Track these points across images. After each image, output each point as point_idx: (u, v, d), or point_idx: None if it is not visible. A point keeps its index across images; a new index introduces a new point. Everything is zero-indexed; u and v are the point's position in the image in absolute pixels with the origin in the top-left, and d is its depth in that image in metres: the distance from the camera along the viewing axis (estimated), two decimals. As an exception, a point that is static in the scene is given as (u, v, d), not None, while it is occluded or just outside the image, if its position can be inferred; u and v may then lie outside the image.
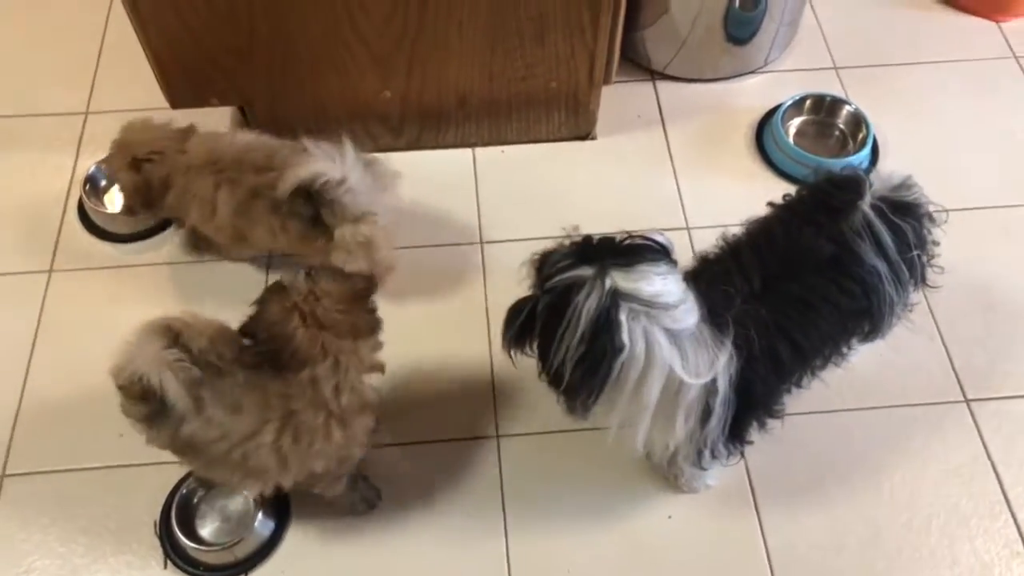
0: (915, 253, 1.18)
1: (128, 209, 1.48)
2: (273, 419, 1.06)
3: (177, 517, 1.26)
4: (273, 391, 1.07)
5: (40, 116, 1.76)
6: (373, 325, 1.14)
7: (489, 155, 1.71)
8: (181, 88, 1.52)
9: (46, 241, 1.58)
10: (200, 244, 1.54)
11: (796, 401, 1.31)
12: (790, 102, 1.70)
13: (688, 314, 0.98)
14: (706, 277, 1.12)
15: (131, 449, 1.34)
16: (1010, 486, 1.33)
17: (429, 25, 1.44)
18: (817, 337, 1.14)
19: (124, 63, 1.82)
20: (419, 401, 1.40)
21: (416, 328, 1.47)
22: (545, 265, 0.99)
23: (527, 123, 1.68)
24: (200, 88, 1.52)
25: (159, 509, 1.28)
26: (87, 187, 1.59)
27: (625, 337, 0.94)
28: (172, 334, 1.02)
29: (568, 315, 0.95)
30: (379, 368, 1.15)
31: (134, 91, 1.75)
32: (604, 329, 0.94)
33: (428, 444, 1.36)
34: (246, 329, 1.11)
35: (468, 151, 1.71)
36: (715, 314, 1.03)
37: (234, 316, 1.19)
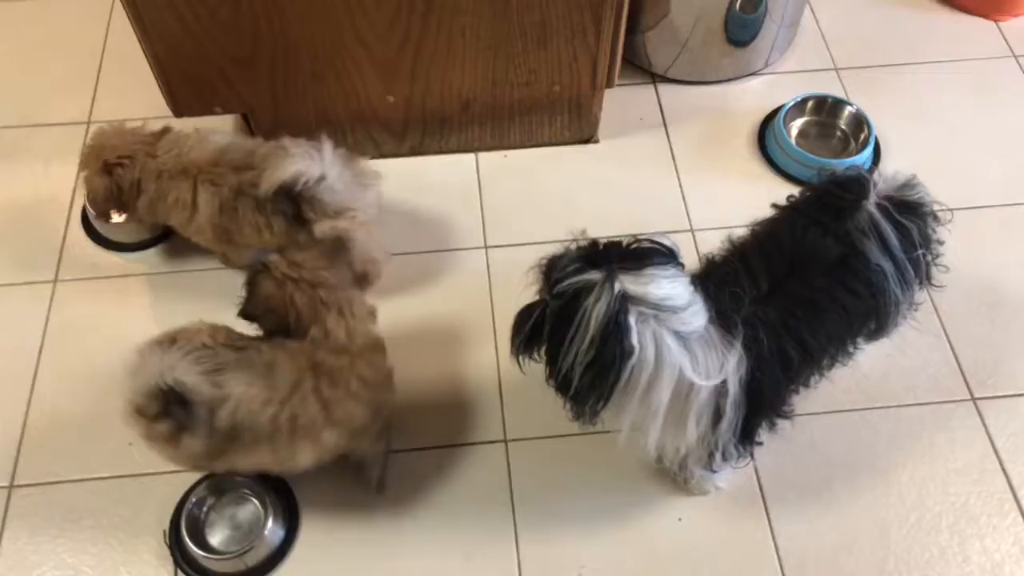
0: (920, 252, 1.19)
1: (101, 214, 1.49)
2: (305, 368, 1.10)
3: (187, 526, 1.25)
4: (293, 348, 1.11)
5: (42, 126, 1.76)
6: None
7: (492, 159, 1.71)
8: (184, 97, 1.52)
9: (50, 251, 1.58)
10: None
11: (804, 402, 1.32)
12: (792, 103, 1.71)
13: (696, 316, 0.98)
14: (713, 279, 1.12)
15: (140, 458, 1.34)
16: (1019, 484, 1.33)
17: (432, 30, 1.44)
18: (824, 337, 1.14)
19: (125, 72, 1.83)
20: (426, 406, 1.40)
21: (422, 333, 1.47)
22: (553, 270, 0.99)
23: (530, 127, 1.68)
24: (203, 97, 1.52)
25: (169, 518, 1.28)
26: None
27: (635, 341, 0.94)
28: (168, 340, 1.02)
29: (577, 320, 0.95)
30: (373, 313, 1.22)
31: (136, 100, 1.76)
32: (614, 333, 0.94)
33: (436, 449, 1.36)
34: (245, 312, 1.16)
35: (471, 156, 1.71)
36: (723, 316, 1.04)
37: (241, 322, 1.20)
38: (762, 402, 1.09)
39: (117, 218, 1.56)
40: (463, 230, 1.61)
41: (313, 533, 1.29)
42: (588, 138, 1.73)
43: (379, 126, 1.64)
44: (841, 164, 1.60)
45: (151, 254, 1.58)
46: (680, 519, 1.29)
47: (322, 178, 1.27)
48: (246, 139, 1.38)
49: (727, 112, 1.79)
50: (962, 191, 1.63)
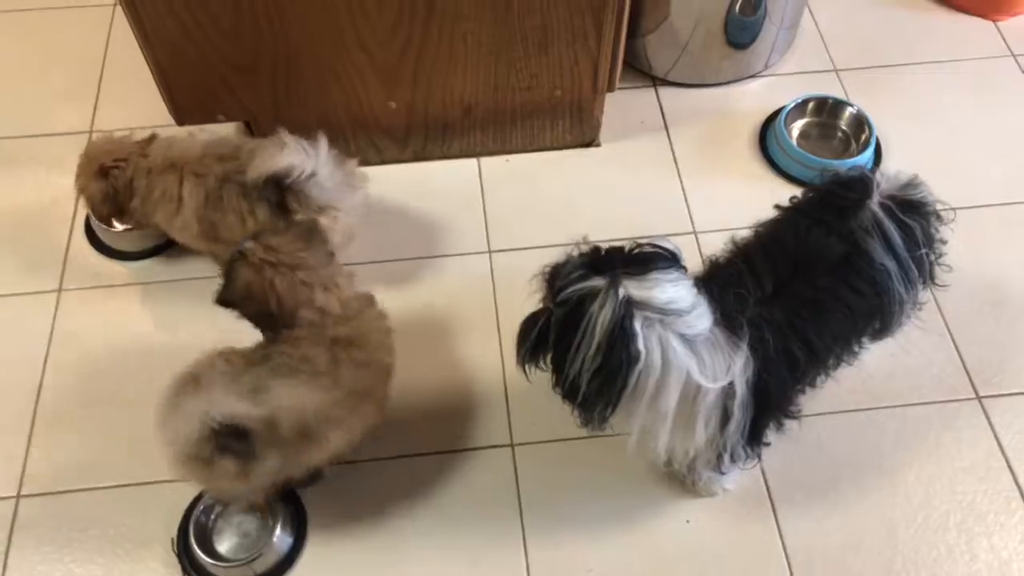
0: (923, 251, 1.19)
1: (102, 219, 1.50)
2: (330, 343, 1.12)
3: (195, 533, 1.25)
4: (308, 334, 1.13)
5: (45, 136, 1.76)
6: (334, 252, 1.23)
7: (494, 164, 1.71)
8: (186, 105, 1.52)
9: (54, 260, 1.58)
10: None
11: (810, 402, 1.32)
12: (792, 105, 1.71)
13: (702, 319, 0.98)
14: (718, 281, 1.13)
15: (146, 467, 1.34)
16: (1025, 482, 1.33)
17: (434, 36, 1.44)
18: (830, 336, 1.15)
19: (126, 81, 1.84)
20: (432, 411, 1.40)
21: (427, 338, 1.47)
22: (557, 277, 0.99)
23: (532, 131, 1.68)
24: (206, 104, 1.53)
25: (177, 526, 1.28)
26: (94, 206, 1.60)
27: (641, 345, 0.94)
28: (191, 381, 1.02)
29: (583, 326, 0.95)
30: (351, 275, 1.24)
31: (137, 109, 1.76)
32: (619, 339, 0.94)
33: (443, 454, 1.36)
34: (222, 299, 1.17)
35: (473, 161, 1.71)
36: (729, 317, 1.04)
37: (245, 328, 1.20)
38: (769, 403, 1.09)
39: (119, 226, 1.56)
40: (466, 235, 1.61)
41: (321, 540, 1.29)
42: (590, 142, 1.74)
43: (381, 132, 1.64)
44: (843, 165, 1.60)
45: (154, 262, 1.59)
46: (688, 521, 1.30)
47: (313, 174, 1.29)
48: (234, 137, 1.40)
49: (728, 114, 1.79)
50: (963, 190, 1.63)
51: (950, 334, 1.47)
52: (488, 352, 1.46)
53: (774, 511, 1.30)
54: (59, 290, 1.54)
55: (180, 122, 1.54)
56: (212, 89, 1.50)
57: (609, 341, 0.94)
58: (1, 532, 1.29)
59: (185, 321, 1.49)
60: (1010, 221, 1.62)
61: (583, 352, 0.96)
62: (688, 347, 0.97)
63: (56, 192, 1.66)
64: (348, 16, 1.40)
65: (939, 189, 1.23)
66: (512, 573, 1.26)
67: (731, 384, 1.01)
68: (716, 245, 1.22)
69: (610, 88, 1.60)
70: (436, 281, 1.55)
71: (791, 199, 1.25)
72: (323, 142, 1.31)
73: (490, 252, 1.59)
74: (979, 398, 1.41)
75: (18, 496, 1.32)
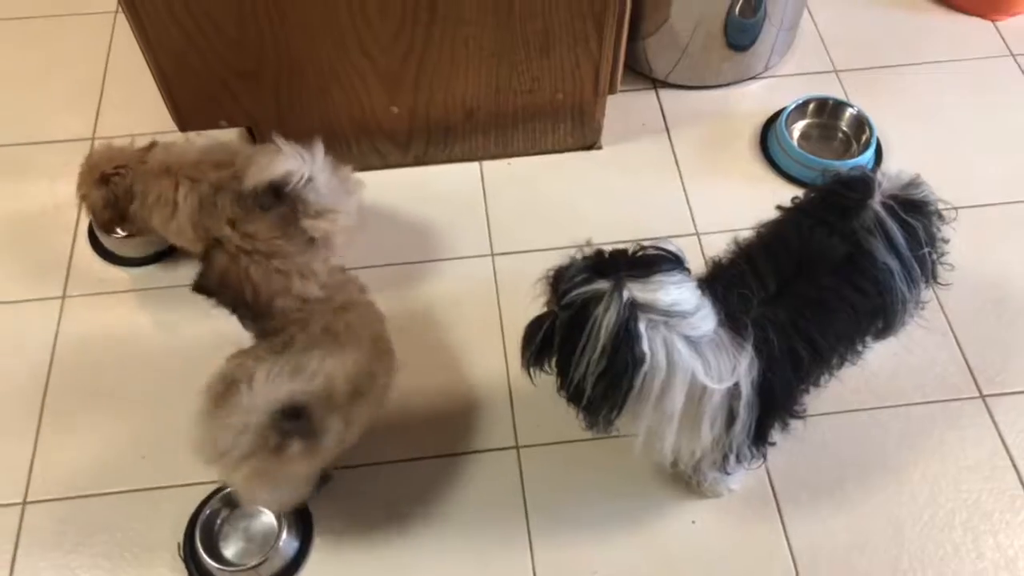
0: (926, 250, 1.19)
1: (103, 227, 1.51)
2: (335, 312, 1.14)
3: (201, 538, 1.25)
4: (304, 314, 1.14)
5: (47, 143, 1.77)
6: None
7: (496, 168, 1.72)
8: (190, 111, 1.53)
9: (58, 267, 1.58)
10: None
11: (814, 402, 1.32)
12: (793, 106, 1.72)
13: (706, 320, 0.99)
14: (721, 282, 1.13)
15: (152, 472, 1.35)
16: (1030, 480, 1.34)
17: (436, 41, 1.45)
18: (834, 336, 1.15)
19: (128, 88, 1.84)
20: (436, 414, 1.41)
21: (430, 341, 1.48)
22: (560, 281, 0.99)
23: (533, 135, 1.69)
24: (209, 111, 1.53)
25: (183, 531, 1.28)
26: (97, 212, 1.60)
27: (646, 348, 0.94)
28: (229, 384, 1.03)
29: (588, 329, 0.95)
30: (326, 260, 1.25)
31: (139, 115, 1.77)
32: (624, 341, 0.94)
33: (448, 457, 1.36)
34: (199, 286, 1.18)
35: (475, 165, 1.72)
36: (733, 318, 1.04)
37: (246, 332, 1.21)
38: (774, 403, 1.09)
39: (121, 232, 1.57)
40: (468, 238, 1.62)
41: (327, 544, 1.29)
42: (591, 145, 1.74)
43: (383, 137, 1.65)
44: (844, 165, 1.61)
45: (157, 268, 1.59)
46: (693, 522, 1.30)
47: (311, 179, 1.29)
48: (231, 143, 1.40)
49: (729, 116, 1.80)
50: (964, 190, 1.63)
51: (953, 333, 1.48)
52: (492, 355, 1.46)
53: (779, 511, 1.31)
54: (63, 297, 1.54)
55: (183, 128, 1.55)
56: (215, 95, 1.50)
57: (614, 344, 0.94)
58: (7, 539, 1.29)
59: (188, 326, 1.49)
60: (1011, 220, 1.63)
61: (588, 355, 0.96)
62: (693, 348, 0.97)
63: (59, 199, 1.66)
64: (350, 22, 1.40)
65: (940, 189, 1.24)
66: (518, 575, 1.26)
67: (736, 385, 1.01)
68: (718, 246, 1.22)
69: (611, 91, 1.60)
70: (439, 285, 1.56)
71: (793, 199, 1.26)
72: (319, 147, 1.32)
73: (492, 255, 1.59)
74: (983, 397, 1.41)
75: (24, 502, 1.33)
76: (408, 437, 1.38)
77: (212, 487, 1.31)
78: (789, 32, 1.83)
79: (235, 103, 1.52)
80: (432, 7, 1.39)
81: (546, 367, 1.04)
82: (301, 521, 1.29)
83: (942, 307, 1.50)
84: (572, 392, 1.01)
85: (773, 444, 1.19)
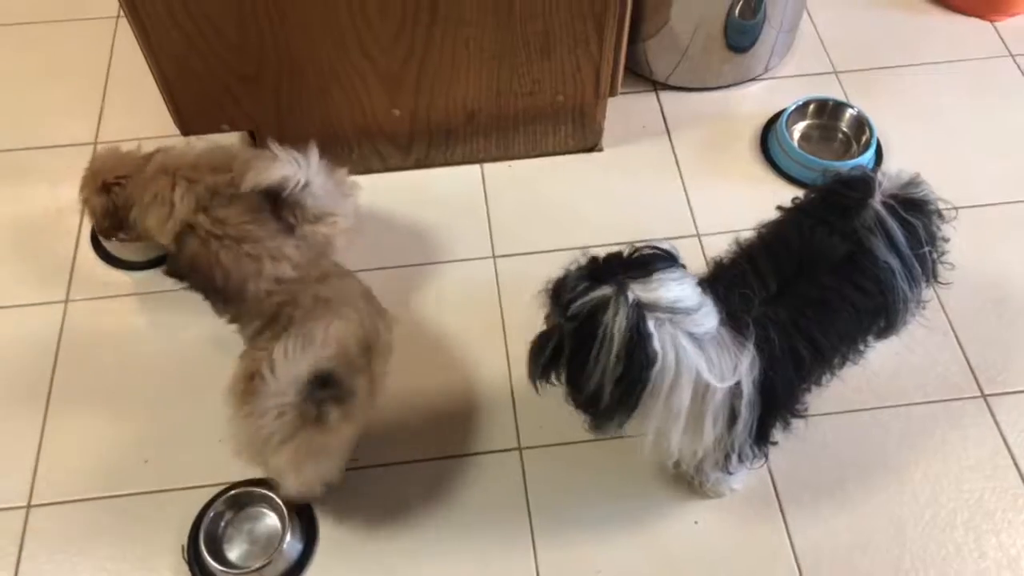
0: (926, 249, 1.20)
1: (103, 233, 1.51)
2: (317, 281, 1.17)
3: (205, 541, 1.26)
4: (293, 288, 1.16)
5: (49, 148, 1.77)
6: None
7: (497, 170, 1.72)
8: (191, 115, 1.53)
9: (61, 271, 1.58)
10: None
11: (816, 402, 1.32)
12: (793, 107, 1.72)
13: (708, 317, 0.99)
14: (722, 281, 1.13)
15: (156, 475, 1.35)
16: (1032, 479, 1.34)
17: (436, 43, 1.45)
18: (835, 335, 1.15)
19: (130, 92, 1.85)
20: (439, 416, 1.41)
21: (432, 344, 1.48)
22: (562, 292, 0.98)
23: (534, 137, 1.69)
24: (210, 114, 1.54)
25: (186, 534, 1.28)
26: (99, 216, 1.61)
27: (657, 346, 0.94)
28: (254, 376, 1.06)
29: (600, 336, 0.94)
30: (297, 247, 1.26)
31: (141, 120, 1.77)
32: (638, 343, 0.94)
33: (451, 459, 1.36)
34: (170, 271, 1.21)
35: (476, 167, 1.72)
36: (734, 317, 1.04)
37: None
38: (776, 402, 1.09)
39: (124, 235, 1.57)
40: (470, 241, 1.62)
41: (331, 546, 1.29)
42: (592, 147, 1.75)
43: (385, 140, 1.65)
44: (844, 166, 1.61)
45: (160, 272, 1.58)
46: (696, 522, 1.30)
47: (307, 184, 1.30)
48: (230, 146, 1.41)
49: (729, 117, 1.80)
50: (964, 190, 1.64)
51: (954, 333, 1.48)
52: (494, 357, 1.46)
53: (782, 511, 1.31)
54: (66, 300, 1.55)
55: (185, 132, 1.55)
56: (217, 99, 1.51)
57: (628, 348, 0.93)
58: (12, 542, 1.29)
59: (191, 329, 1.50)
60: (1012, 220, 1.63)
61: (603, 362, 0.95)
62: (697, 346, 0.97)
63: (62, 203, 1.67)
64: (351, 23, 1.41)
65: (940, 189, 1.24)
66: (522, 575, 1.26)
67: (738, 383, 1.02)
68: (720, 247, 1.22)
69: (612, 93, 1.61)
70: (440, 287, 1.56)
71: (794, 199, 1.26)
72: (314, 151, 1.32)
73: (494, 257, 1.60)
74: (984, 396, 1.41)
75: (28, 506, 1.33)
76: (411, 439, 1.38)
77: (216, 489, 1.31)
78: (789, 34, 1.84)
79: (236, 106, 1.53)
80: (432, 8, 1.40)
81: (553, 379, 1.04)
82: (305, 523, 1.29)
83: (943, 307, 1.50)
84: (588, 400, 1.00)
85: (775, 443, 1.20)
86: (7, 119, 1.82)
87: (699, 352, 0.97)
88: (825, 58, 1.90)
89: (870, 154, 1.67)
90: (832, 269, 1.14)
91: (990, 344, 1.47)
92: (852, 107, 1.73)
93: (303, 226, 1.33)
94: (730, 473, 1.21)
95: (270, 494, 1.28)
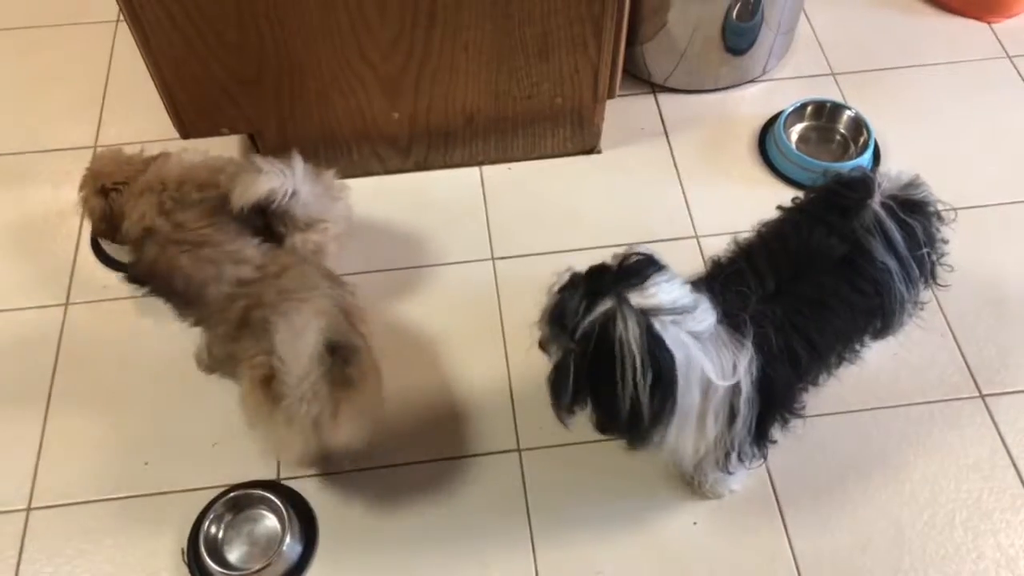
0: (925, 251, 1.20)
1: (99, 236, 1.52)
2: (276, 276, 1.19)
3: (205, 543, 1.26)
4: (256, 290, 1.18)
5: (49, 152, 1.78)
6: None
7: (496, 172, 1.73)
8: (191, 119, 1.54)
9: (61, 275, 1.59)
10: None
11: (814, 403, 1.33)
12: (791, 109, 1.73)
13: (706, 314, 1.00)
14: (720, 280, 1.14)
15: (156, 478, 1.35)
16: (1030, 479, 1.34)
17: (435, 47, 1.46)
18: (832, 335, 1.15)
19: (129, 97, 1.85)
20: (438, 418, 1.41)
21: (431, 346, 1.48)
22: (565, 316, 0.97)
23: (533, 139, 1.70)
24: (210, 118, 1.54)
25: (186, 536, 1.28)
26: (99, 219, 1.61)
27: (672, 346, 0.95)
28: (266, 379, 1.09)
29: (619, 351, 0.93)
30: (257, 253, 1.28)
31: (141, 123, 1.78)
32: (656, 346, 0.94)
33: (450, 461, 1.37)
34: (131, 277, 1.23)
35: (475, 169, 1.73)
36: (731, 315, 1.05)
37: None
38: (774, 400, 1.10)
39: (119, 242, 1.57)
40: (469, 243, 1.62)
41: (331, 548, 1.29)
42: (591, 149, 1.75)
43: (384, 143, 1.66)
44: (842, 167, 1.61)
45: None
46: (695, 523, 1.30)
47: (295, 193, 1.30)
48: (218, 158, 1.41)
49: (727, 119, 1.81)
50: (962, 191, 1.64)
51: (952, 333, 1.48)
52: (493, 358, 1.47)
53: (781, 512, 1.31)
54: (66, 304, 1.55)
55: (185, 136, 1.56)
56: (217, 102, 1.51)
57: (649, 352, 0.93)
58: (12, 544, 1.30)
59: (191, 333, 1.48)
60: (1009, 221, 1.64)
61: (629, 373, 0.94)
62: (700, 344, 0.98)
63: (62, 207, 1.67)
64: (350, 28, 1.41)
65: (938, 190, 1.24)
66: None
67: (737, 381, 1.02)
68: (718, 249, 1.23)
69: (610, 95, 1.61)
70: (440, 289, 1.56)
71: (793, 199, 1.26)
72: (297, 159, 1.32)
73: (493, 259, 1.60)
74: (982, 396, 1.42)
75: (28, 508, 1.33)
76: (410, 441, 1.38)
77: (216, 492, 1.32)
78: (786, 36, 1.84)
79: (236, 110, 1.53)
80: (431, 13, 1.40)
81: (578, 408, 1.02)
82: (305, 525, 1.30)
83: (941, 308, 1.51)
84: (628, 417, 0.98)
85: (774, 442, 1.20)
86: (8, 123, 1.83)
87: (703, 350, 0.98)
88: (823, 60, 1.91)
89: (868, 155, 1.67)
90: (830, 269, 1.14)
91: (988, 344, 1.47)
92: (850, 109, 1.74)
93: (294, 234, 1.33)
94: (730, 473, 1.21)
95: (269, 496, 1.29)
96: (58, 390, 1.45)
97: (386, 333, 1.49)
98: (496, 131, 1.67)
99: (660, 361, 0.94)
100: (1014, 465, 1.35)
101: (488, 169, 1.73)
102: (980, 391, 1.42)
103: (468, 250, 1.61)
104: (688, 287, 1.00)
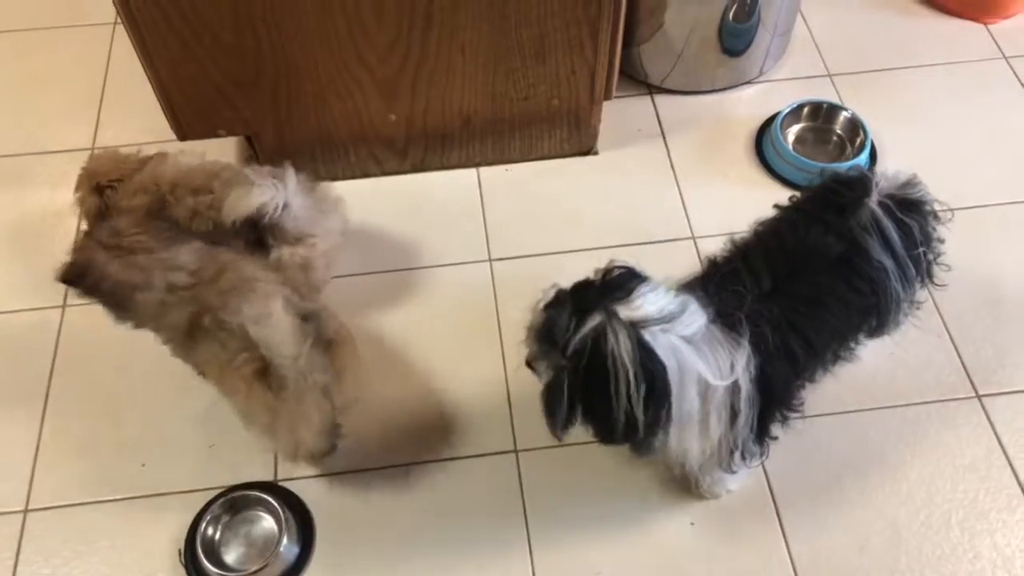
0: (921, 250, 1.20)
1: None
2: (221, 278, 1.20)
3: (202, 545, 1.26)
4: (199, 295, 1.19)
5: (47, 153, 1.78)
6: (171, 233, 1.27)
7: (494, 174, 1.73)
8: (188, 121, 1.54)
9: (58, 276, 1.59)
10: None
11: (811, 403, 1.33)
12: (788, 110, 1.73)
13: (695, 316, 1.00)
14: (716, 279, 1.14)
15: (153, 479, 1.36)
16: (1027, 479, 1.34)
17: (432, 49, 1.46)
18: (828, 332, 1.15)
19: (127, 98, 1.86)
20: (436, 419, 1.41)
21: (429, 347, 1.48)
22: (555, 333, 0.98)
23: (530, 141, 1.70)
24: (207, 120, 1.54)
25: (183, 537, 1.28)
26: (97, 222, 1.61)
27: (662, 356, 0.95)
28: (260, 367, 1.11)
29: (611, 365, 0.94)
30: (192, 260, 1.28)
31: (138, 125, 1.78)
32: (647, 357, 0.94)
33: (447, 462, 1.37)
34: (64, 278, 1.22)
35: (473, 171, 1.73)
36: (726, 315, 1.05)
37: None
38: (773, 397, 1.10)
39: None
40: (466, 244, 1.62)
41: (328, 549, 1.29)
42: (587, 150, 1.75)
43: (381, 144, 1.66)
44: (840, 168, 1.61)
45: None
46: (692, 523, 1.30)
47: (286, 206, 1.29)
48: (215, 163, 1.40)
49: (724, 120, 1.81)
50: (959, 191, 1.63)
51: (949, 334, 1.48)
52: (490, 359, 1.47)
53: (777, 512, 1.31)
54: (63, 305, 1.55)
55: (182, 137, 1.56)
56: (213, 104, 1.51)
57: (642, 364, 0.94)
58: (9, 546, 1.30)
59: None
60: (1006, 221, 1.64)
61: (623, 385, 0.95)
62: (693, 347, 0.98)
63: (59, 208, 1.67)
64: (347, 30, 1.42)
65: (935, 190, 1.24)
66: (519, 577, 1.27)
67: (735, 381, 1.02)
68: (715, 250, 1.23)
69: (607, 97, 1.62)
70: (437, 290, 1.57)
71: (790, 198, 1.26)
72: (291, 171, 1.31)
73: (490, 261, 1.60)
74: (979, 396, 1.42)
75: (26, 510, 1.33)
76: (407, 442, 1.38)
77: (212, 493, 1.32)
78: (783, 37, 1.85)
79: (233, 112, 1.53)
80: (428, 15, 1.41)
81: (574, 422, 1.03)
82: (301, 526, 1.30)
83: (938, 308, 1.51)
84: (625, 428, 0.99)
85: (775, 439, 1.20)
86: (5, 124, 1.83)
87: (696, 352, 0.98)
88: (819, 61, 1.91)
89: (864, 156, 1.68)
90: (826, 267, 1.14)
91: (985, 345, 1.47)
92: (846, 109, 1.74)
93: (281, 248, 1.32)
94: (733, 471, 1.21)
95: (266, 497, 1.29)
96: (55, 392, 1.45)
97: (384, 334, 1.50)
98: (493, 133, 1.67)
99: (653, 372, 0.95)
100: (1010, 465, 1.35)
101: (485, 171, 1.73)
102: (977, 391, 1.42)
103: (465, 251, 1.61)
104: (672, 294, 1.00)
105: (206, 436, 1.39)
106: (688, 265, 1.10)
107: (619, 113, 1.79)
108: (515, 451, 1.38)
